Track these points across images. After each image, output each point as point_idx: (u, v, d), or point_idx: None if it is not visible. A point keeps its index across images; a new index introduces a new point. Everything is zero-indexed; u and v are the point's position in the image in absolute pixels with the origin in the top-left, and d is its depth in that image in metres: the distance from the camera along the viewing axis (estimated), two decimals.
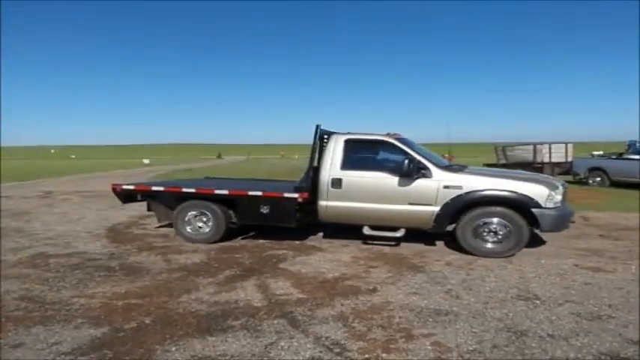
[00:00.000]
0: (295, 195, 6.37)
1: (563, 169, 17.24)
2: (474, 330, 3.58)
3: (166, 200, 7.20)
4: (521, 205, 5.81)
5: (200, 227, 6.80)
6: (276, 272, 5.23)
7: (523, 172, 8.27)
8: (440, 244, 6.67)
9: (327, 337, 3.44)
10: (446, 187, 5.98)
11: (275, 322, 3.75)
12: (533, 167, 17.59)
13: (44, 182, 19.70)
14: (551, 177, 7.78)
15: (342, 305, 4.13)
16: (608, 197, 12.23)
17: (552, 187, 5.89)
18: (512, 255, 5.84)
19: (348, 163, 6.41)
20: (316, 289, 4.60)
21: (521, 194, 5.80)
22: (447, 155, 20.72)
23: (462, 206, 5.96)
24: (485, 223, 5.88)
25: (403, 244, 6.53)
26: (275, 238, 6.98)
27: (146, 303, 4.19)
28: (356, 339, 3.41)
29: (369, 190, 6.28)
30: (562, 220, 5.95)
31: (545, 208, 5.76)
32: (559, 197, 5.90)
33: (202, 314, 3.91)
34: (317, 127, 6.65)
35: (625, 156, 18.75)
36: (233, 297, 4.36)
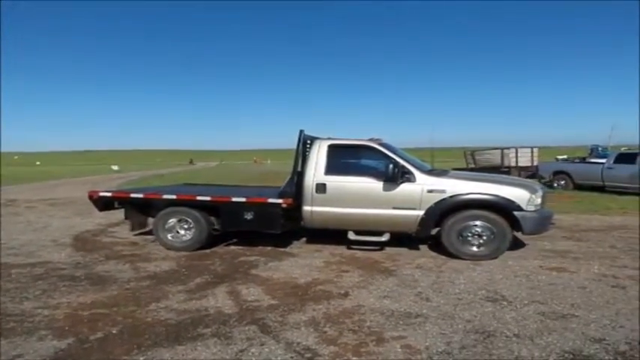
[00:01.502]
0: (279, 201, 6.32)
1: (529, 172, 17.74)
2: (443, 332, 3.63)
3: (145, 207, 7.10)
4: (503, 208, 5.92)
5: (182, 234, 6.67)
6: (247, 278, 5.19)
7: (505, 176, 8.47)
8: (421, 246, 6.77)
9: (298, 343, 3.43)
10: (430, 191, 6.04)
11: (246, 328, 3.72)
12: (500, 171, 18.05)
13: (8, 189, 18.98)
14: (530, 180, 7.94)
15: (314, 310, 4.14)
16: (571, 200, 12.63)
17: (533, 191, 6.03)
18: (496, 257, 5.96)
19: (332, 168, 6.41)
20: (288, 295, 4.59)
21: (503, 197, 5.91)
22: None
23: (446, 210, 6.02)
24: (469, 227, 5.98)
25: (375, 249, 6.58)
26: (247, 244, 6.93)
27: (113, 313, 4.09)
28: (327, 343, 3.42)
29: (354, 195, 6.30)
30: (543, 222, 6.11)
31: (527, 211, 5.88)
32: (539, 200, 6.04)
33: (172, 323, 3.84)
34: (300, 132, 6.63)
35: (588, 160, 19.43)
36: (203, 304, 4.30)
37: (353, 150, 6.75)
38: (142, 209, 7.14)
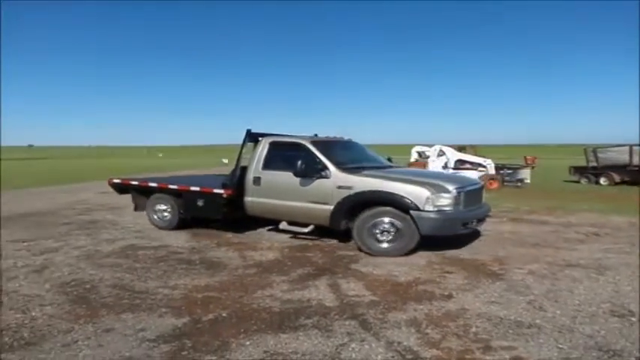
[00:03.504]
0: (221, 191, 7.09)
1: None
2: (560, 345, 3.32)
3: (143, 192, 8.33)
4: (401, 207, 5.98)
5: (165, 216, 7.91)
6: (348, 273, 5.22)
7: (433, 174, 7.72)
8: (522, 250, 6.31)
9: (399, 343, 3.36)
10: (339, 187, 6.32)
11: (346, 323, 3.73)
12: (627, 171, 16.13)
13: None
14: (454, 178, 7.04)
15: (415, 310, 4.02)
16: None
17: (438, 191, 5.94)
18: (403, 254, 5.95)
19: (269, 163, 7.01)
20: (388, 292, 4.52)
21: (400, 196, 5.97)
22: (528, 157, 19.49)
23: (352, 206, 6.25)
24: (378, 223, 6.06)
25: (483, 250, 6.25)
26: (347, 239, 6.97)
27: (223, 297, 4.36)
28: (429, 346, 3.30)
29: (278, 188, 6.85)
30: (444, 224, 5.97)
31: (423, 210, 5.86)
32: (445, 201, 5.93)
33: (275, 311, 3.99)
34: (247, 130, 7.28)
35: None
36: (305, 295, 4.41)
37: (288, 147, 7.14)
38: (141, 194, 8.35)
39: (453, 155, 16.24)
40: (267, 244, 6.68)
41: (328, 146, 7.09)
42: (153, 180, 8.42)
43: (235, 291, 4.54)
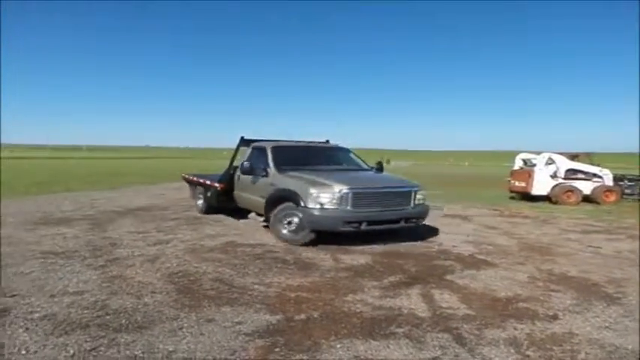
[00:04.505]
0: (217, 185, 9.07)
1: None
2: None
3: (192, 185, 10.95)
4: (295, 203, 6.88)
5: (200, 203, 10.10)
6: (442, 284, 5.04)
7: (349, 176, 7.72)
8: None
9: None
10: (271, 184, 7.51)
11: (439, 335, 3.61)
12: None
13: None
14: (358, 180, 7.49)
15: (515, 329, 3.77)
16: None
17: (322, 190, 6.69)
18: (302, 243, 6.74)
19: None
20: (485, 307, 4.29)
21: (296, 193, 6.89)
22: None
23: (273, 200, 7.29)
24: (289, 214, 7.01)
25: (595, 269, 5.69)
26: (441, 245, 6.77)
27: (315, 298, 4.44)
28: None
29: (247, 184, 8.37)
30: (324, 220, 6.65)
31: (307, 207, 6.66)
32: (326, 200, 6.61)
33: (366, 317, 3.97)
34: (241, 137, 9.07)
35: None
36: (397, 303, 4.33)
37: (261, 150, 8.42)
38: (191, 185, 10.99)
39: (564, 164, 14.92)
40: (359, 249, 6.69)
41: (286, 150, 8.44)
42: (197, 176, 10.81)
43: (327, 293, 4.60)
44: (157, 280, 4.89)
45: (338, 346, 3.37)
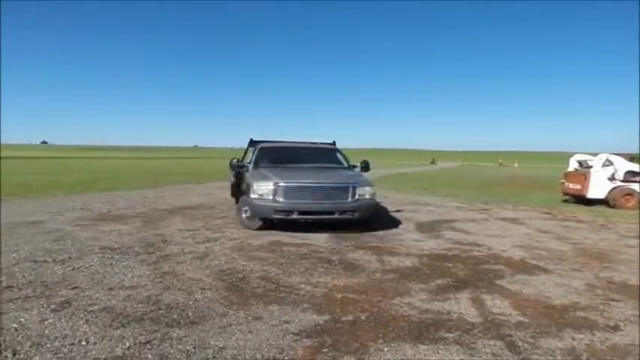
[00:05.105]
0: (233, 179, 9.87)
1: None
2: None
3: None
4: (246, 194, 8.19)
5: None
6: (492, 289, 4.88)
7: (295, 172, 8.55)
8: None
9: None
10: (247, 178, 8.68)
11: (491, 342, 3.49)
12: None
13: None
14: (294, 176, 8.11)
15: (573, 339, 3.59)
16: None
17: (259, 183, 7.83)
18: (255, 229, 7.88)
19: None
20: (540, 315, 4.11)
21: (247, 185, 8.29)
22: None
23: (240, 192, 9.00)
24: (244, 204, 8.34)
25: None
26: (491, 249, 6.56)
27: (361, 299, 4.41)
28: None
29: (241, 180, 9.26)
30: (259, 209, 7.78)
31: (249, 197, 7.93)
32: (261, 191, 7.73)
33: (414, 320, 3.90)
34: (250, 139, 10.30)
35: None
36: (445, 307, 4.23)
37: (254, 150, 9.70)
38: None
39: (623, 166, 14.08)
40: (405, 250, 6.60)
41: (272, 150, 9.65)
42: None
43: (373, 295, 4.56)
44: (206, 277, 5.02)
45: (386, 349, 3.33)
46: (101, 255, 5.84)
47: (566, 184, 15.29)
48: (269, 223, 7.83)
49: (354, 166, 9.52)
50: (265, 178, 7.89)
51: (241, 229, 8.00)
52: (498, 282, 5.15)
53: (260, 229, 7.85)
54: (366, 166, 9.56)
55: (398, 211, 11.32)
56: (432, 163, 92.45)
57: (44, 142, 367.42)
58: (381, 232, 8.06)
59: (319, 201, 7.68)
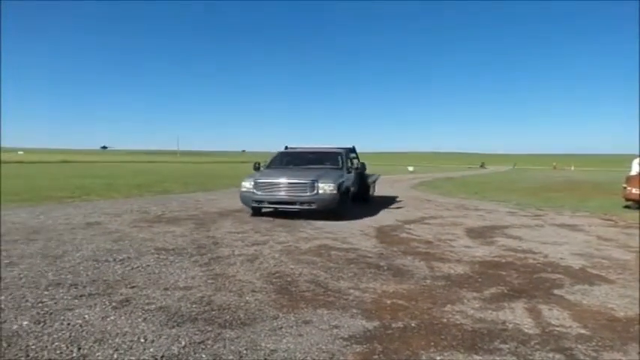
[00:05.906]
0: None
1: None
2: None
3: None
4: None
5: None
6: (550, 299, 4.67)
7: (285, 171, 10.78)
8: None
9: None
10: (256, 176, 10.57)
11: (550, 355, 3.34)
12: None
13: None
14: (276, 175, 10.33)
15: None
16: None
17: (248, 179, 10.19)
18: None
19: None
20: (602, 327, 3.90)
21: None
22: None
23: None
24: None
25: None
26: (547, 257, 6.28)
27: (411, 306, 4.34)
28: None
29: None
30: (244, 199, 10.24)
31: (241, 190, 10.31)
32: (248, 186, 10.07)
33: (467, 329, 3.80)
34: (285, 147, 12.93)
35: None
36: (500, 317, 4.09)
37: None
38: None
39: None
40: (456, 257, 6.45)
41: (288, 154, 12.22)
42: None
43: (424, 302, 4.48)
44: (256, 280, 5.11)
45: (438, 358, 3.26)
46: (157, 256, 6.08)
47: (628, 188, 14.40)
48: (257, 211, 10.27)
49: (356, 168, 12.09)
50: (254, 177, 10.15)
51: (289, 233, 8.09)
52: (556, 292, 4.92)
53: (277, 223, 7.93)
54: (362, 167, 12.43)
55: (441, 217, 11.08)
56: (482, 166, 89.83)
57: (104, 147, 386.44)
58: (430, 237, 7.92)
59: (288, 194, 9.74)
